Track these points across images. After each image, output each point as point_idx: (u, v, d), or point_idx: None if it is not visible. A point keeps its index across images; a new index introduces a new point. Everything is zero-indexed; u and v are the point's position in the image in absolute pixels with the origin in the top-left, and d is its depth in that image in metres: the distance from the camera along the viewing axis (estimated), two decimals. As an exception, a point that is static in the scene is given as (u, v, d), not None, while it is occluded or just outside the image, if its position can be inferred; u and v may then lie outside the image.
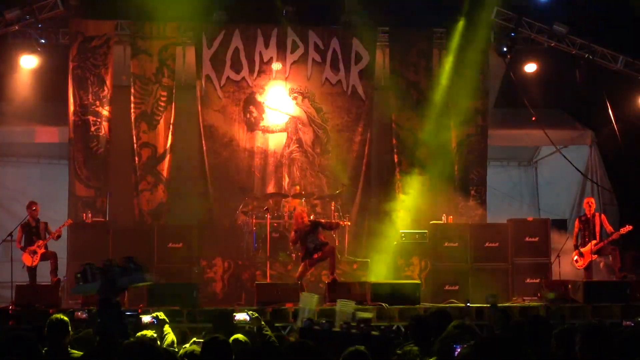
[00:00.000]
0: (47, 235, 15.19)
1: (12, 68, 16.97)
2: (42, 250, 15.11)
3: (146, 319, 9.39)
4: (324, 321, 6.77)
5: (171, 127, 17.12)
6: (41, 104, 17.69)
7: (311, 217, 15.50)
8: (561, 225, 18.05)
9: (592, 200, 15.96)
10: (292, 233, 14.84)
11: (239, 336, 7.57)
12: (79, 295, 13.10)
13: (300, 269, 14.62)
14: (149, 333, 8.69)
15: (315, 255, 14.45)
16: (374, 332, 6.63)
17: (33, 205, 15.29)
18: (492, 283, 15.52)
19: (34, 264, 15.04)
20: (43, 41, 16.77)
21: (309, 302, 12.96)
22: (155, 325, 9.57)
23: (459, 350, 5.84)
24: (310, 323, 5.89)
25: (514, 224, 16.34)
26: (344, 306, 13.01)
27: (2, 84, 17.14)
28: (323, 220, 15.30)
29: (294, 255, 15.66)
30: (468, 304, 13.85)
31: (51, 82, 17.34)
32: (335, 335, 5.62)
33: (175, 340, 9.05)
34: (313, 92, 17.56)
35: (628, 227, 15.11)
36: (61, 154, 18.05)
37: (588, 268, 15.54)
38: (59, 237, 15.26)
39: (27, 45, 16.74)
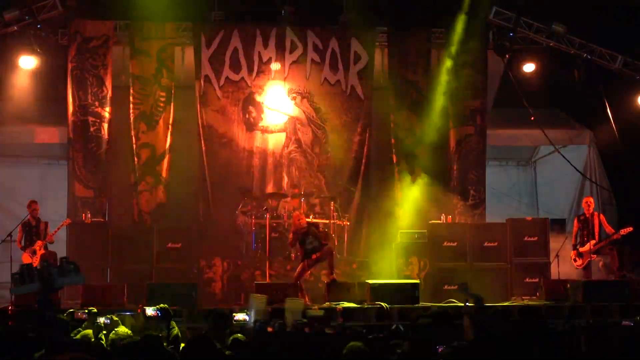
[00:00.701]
0: (47, 236, 15.21)
1: (11, 69, 16.97)
2: (42, 251, 15.13)
3: (150, 311, 9.43)
4: (275, 322, 6.74)
5: (170, 127, 17.14)
6: (41, 104, 17.70)
7: (310, 218, 15.53)
8: (560, 225, 18.09)
9: (591, 199, 15.98)
10: (290, 235, 14.88)
11: (238, 336, 7.62)
12: (19, 294, 13.06)
13: (298, 269, 14.64)
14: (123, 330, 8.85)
15: (314, 256, 14.50)
16: (328, 331, 6.62)
17: (33, 204, 15.31)
18: (491, 282, 15.54)
19: (35, 264, 15.03)
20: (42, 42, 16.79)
21: (258, 303, 12.99)
22: (159, 317, 9.62)
23: (440, 350, 5.86)
24: (262, 325, 5.88)
25: (513, 224, 16.34)
26: (293, 304, 13.04)
27: (1, 84, 17.14)
28: (321, 228, 15.30)
29: (293, 255, 15.68)
30: (467, 303, 13.83)
31: (50, 82, 17.34)
32: (288, 336, 5.62)
33: (180, 335, 9.09)
34: (312, 92, 17.57)
35: (629, 229, 15.11)
36: (60, 154, 18.06)
37: (587, 268, 15.56)
38: (51, 242, 15.26)
39: (26, 46, 16.73)
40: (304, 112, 17.54)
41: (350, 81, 17.58)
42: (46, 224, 15.31)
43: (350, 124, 17.57)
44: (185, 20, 17.37)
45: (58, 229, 15.28)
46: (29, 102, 17.54)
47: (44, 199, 16.17)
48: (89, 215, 16.16)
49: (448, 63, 17.63)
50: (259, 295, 13.55)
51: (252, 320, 11.62)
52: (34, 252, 15.08)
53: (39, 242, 15.11)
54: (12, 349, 6.23)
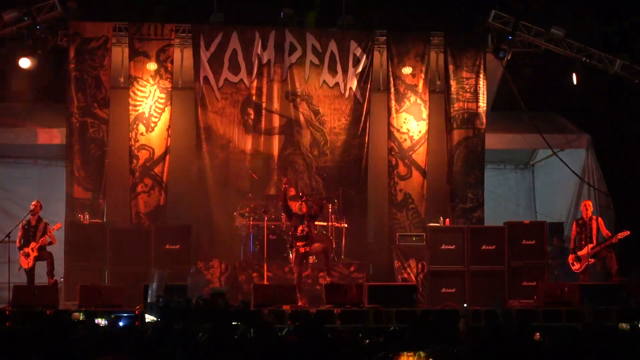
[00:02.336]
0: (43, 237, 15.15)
1: (10, 69, 16.96)
2: (35, 253, 15.03)
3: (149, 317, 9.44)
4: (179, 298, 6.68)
5: (169, 129, 17.14)
6: (40, 105, 17.69)
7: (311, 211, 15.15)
8: (557, 228, 18.12)
9: (590, 203, 15.95)
10: (285, 203, 14.57)
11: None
12: None
13: (295, 273, 14.56)
14: None
15: (302, 250, 14.35)
16: (231, 309, 6.61)
17: (34, 203, 15.24)
18: (488, 286, 15.55)
19: (29, 265, 15.02)
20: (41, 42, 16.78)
21: (160, 278, 13.03)
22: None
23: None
24: (167, 300, 5.84)
25: (511, 227, 16.36)
26: (195, 279, 13.10)
27: (0, 85, 17.13)
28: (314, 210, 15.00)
29: (291, 257, 15.65)
30: (465, 305, 13.87)
31: (49, 83, 17.34)
32: (193, 311, 5.64)
33: None
34: (311, 95, 17.58)
35: (626, 232, 15.10)
36: (60, 155, 18.03)
37: (585, 271, 15.56)
38: (50, 243, 15.21)
39: (25, 47, 16.72)
40: (303, 115, 17.55)
41: (349, 84, 17.59)
42: (46, 224, 15.27)
43: (349, 127, 17.58)
44: (185, 21, 17.38)
45: (50, 232, 15.19)
46: (28, 103, 17.55)
47: (43, 200, 16.12)
48: (87, 216, 16.16)
49: (447, 66, 17.67)
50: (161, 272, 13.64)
51: (154, 294, 11.62)
52: (27, 254, 15.05)
53: (33, 244, 15.06)
54: (9, 349, 6.23)
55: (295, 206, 14.47)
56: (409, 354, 5.28)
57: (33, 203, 15.25)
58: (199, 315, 5.25)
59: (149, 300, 10.82)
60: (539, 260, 16.14)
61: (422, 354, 5.28)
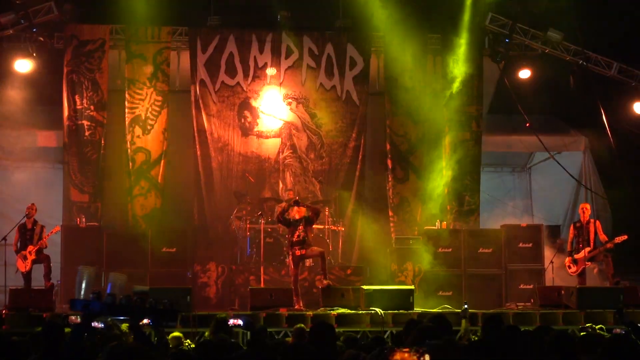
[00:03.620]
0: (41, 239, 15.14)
1: (7, 72, 16.94)
2: (33, 256, 15.01)
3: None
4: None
5: (165, 132, 17.13)
6: (37, 108, 17.67)
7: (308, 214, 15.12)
8: (555, 231, 18.11)
9: (587, 205, 15.95)
10: (283, 210, 14.50)
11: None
12: None
13: (291, 276, 14.54)
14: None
15: (298, 252, 14.32)
16: (161, 307, 6.71)
17: (29, 206, 15.22)
18: (485, 289, 15.55)
19: (26, 268, 15.00)
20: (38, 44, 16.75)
21: (87, 273, 13.02)
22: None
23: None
24: (97, 296, 5.87)
25: (508, 230, 16.37)
26: (117, 279, 13.11)
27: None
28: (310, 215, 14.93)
29: (287, 260, 15.64)
30: (466, 306, 13.82)
31: (46, 86, 17.31)
32: (120, 307, 5.69)
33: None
34: (307, 98, 17.57)
35: (623, 237, 15.08)
36: (57, 158, 18.01)
37: (581, 274, 15.55)
38: (43, 247, 15.18)
39: (21, 50, 16.71)
40: (299, 118, 17.55)
41: (346, 87, 17.59)
42: (42, 227, 15.26)
43: (346, 130, 17.58)
44: (181, 24, 17.38)
45: (48, 235, 15.19)
46: (25, 105, 17.51)
47: (41, 203, 16.11)
48: (84, 219, 16.12)
49: (444, 69, 17.67)
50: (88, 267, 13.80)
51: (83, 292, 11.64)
52: (24, 257, 15.02)
53: (30, 247, 15.04)
54: (5, 353, 6.22)
55: (291, 211, 14.46)
56: (404, 350, 5.27)
57: (28, 206, 15.24)
58: (119, 311, 5.35)
59: (79, 297, 10.88)
60: (535, 263, 16.14)
61: (418, 350, 5.27)
